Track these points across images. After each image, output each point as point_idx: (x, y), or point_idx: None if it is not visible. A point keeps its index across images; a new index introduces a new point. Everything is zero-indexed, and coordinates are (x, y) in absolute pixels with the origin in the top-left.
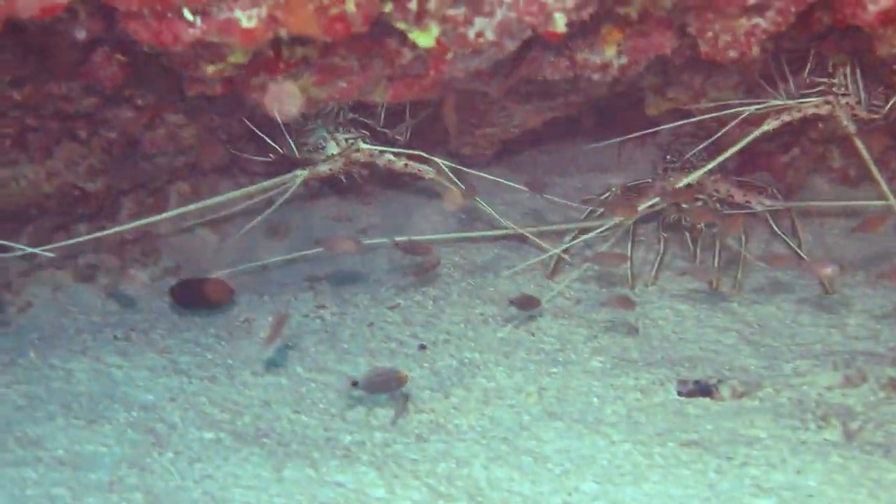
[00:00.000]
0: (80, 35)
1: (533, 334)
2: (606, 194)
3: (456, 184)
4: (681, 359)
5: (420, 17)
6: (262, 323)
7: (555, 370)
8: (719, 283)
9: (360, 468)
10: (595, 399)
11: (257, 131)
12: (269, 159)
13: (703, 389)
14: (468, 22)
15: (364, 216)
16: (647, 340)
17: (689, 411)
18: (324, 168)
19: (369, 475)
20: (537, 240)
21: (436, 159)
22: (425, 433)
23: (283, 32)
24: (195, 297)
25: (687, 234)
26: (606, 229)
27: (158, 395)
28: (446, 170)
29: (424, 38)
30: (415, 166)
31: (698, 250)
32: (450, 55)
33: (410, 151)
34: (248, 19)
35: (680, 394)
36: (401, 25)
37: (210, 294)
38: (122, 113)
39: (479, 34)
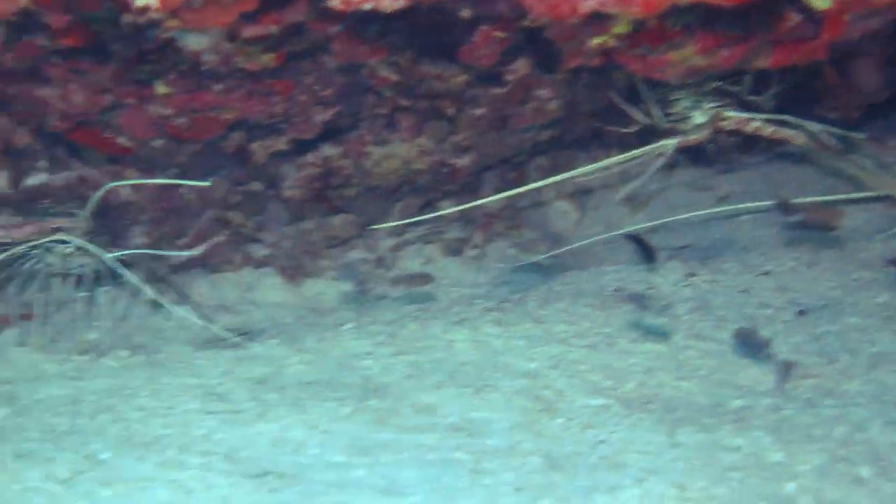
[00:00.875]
0: (465, 13)
1: None
2: None
3: (830, 147)
4: None
5: None
6: (633, 292)
7: None
8: None
9: (754, 433)
10: None
11: (623, 104)
12: (632, 131)
13: None
14: None
15: (725, 184)
16: None
17: None
18: (691, 137)
19: (764, 439)
20: None
21: (807, 123)
22: (814, 398)
23: (682, 1)
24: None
25: None
26: None
27: (540, 364)
28: (822, 134)
29: (822, 0)
30: (783, 132)
31: None
32: (847, 16)
33: (779, 117)
34: None
35: None
36: None
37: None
38: (492, 90)
39: None
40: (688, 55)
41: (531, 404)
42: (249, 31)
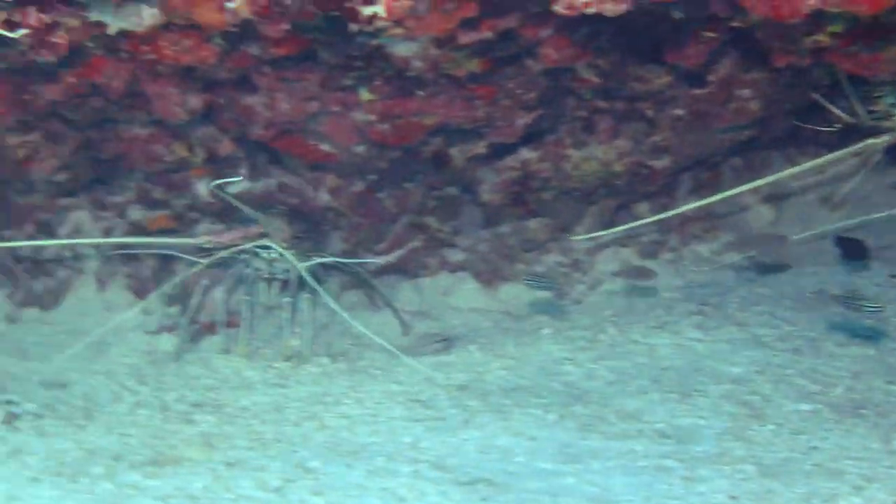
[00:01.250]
0: (677, 14)
1: None
2: None
3: None
4: None
5: None
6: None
7: None
8: None
9: None
10: None
11: (825, 102)
12: (833, 129)
13: None
14: None
15: None
16: None
17: None
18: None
19: None
20: None
21: None
22: None
23: None
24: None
25: None
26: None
27: (745, 368)
28: None
29: None
30: None
31: None
32: None
33: None
34: None
35: None
36: None
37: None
38: (692, 90)
39: None
40: None
41: (739, 410)
42: (467, 38)
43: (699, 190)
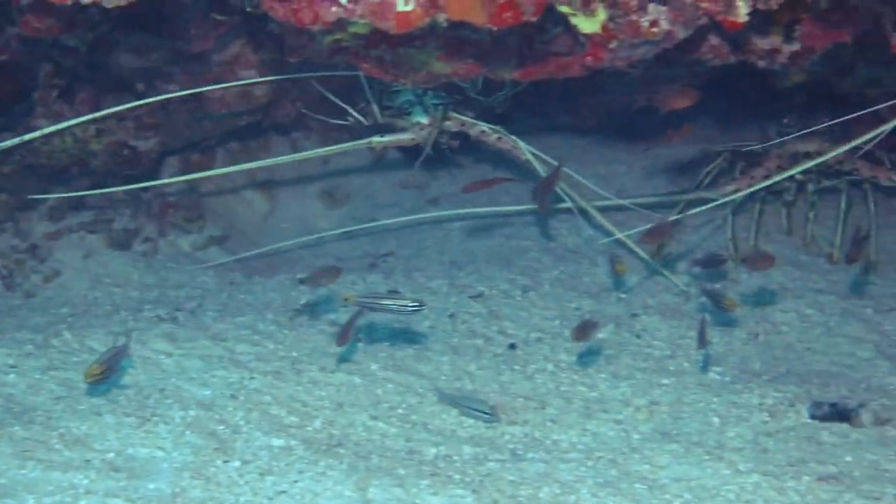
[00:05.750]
0: None
1: (638, 337)
2: (716, 162)
3: (544, 162)
4: (809, 373)
5: (588, 2)
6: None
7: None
8: (836, 255)
9: None
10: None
11: (329, 95)
12: (345, 122)
13: (841, 414)
14: (641, 9)
15: (435, 184)
16: (770, 349)
17: (825, 439)
18: (406, 137)
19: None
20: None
21: (514, 139)
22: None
23: (441, 18)
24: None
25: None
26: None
27: (216, 391)
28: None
29: (589, 24)
30: (509, 142)
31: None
32: (614, 44)
33: (491, 127)
34: (404, 3)
35: (814, 417)
36: (564, 9)
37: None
38: (190, 68)
39: (654, 23)
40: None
41: (204, 441)
42: None
43: (188, 174)
